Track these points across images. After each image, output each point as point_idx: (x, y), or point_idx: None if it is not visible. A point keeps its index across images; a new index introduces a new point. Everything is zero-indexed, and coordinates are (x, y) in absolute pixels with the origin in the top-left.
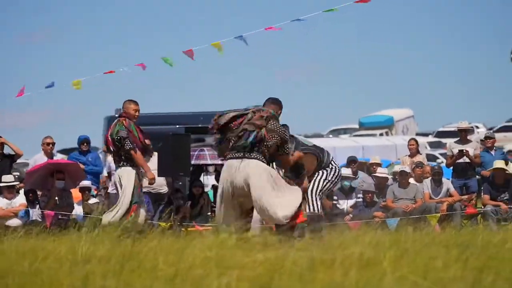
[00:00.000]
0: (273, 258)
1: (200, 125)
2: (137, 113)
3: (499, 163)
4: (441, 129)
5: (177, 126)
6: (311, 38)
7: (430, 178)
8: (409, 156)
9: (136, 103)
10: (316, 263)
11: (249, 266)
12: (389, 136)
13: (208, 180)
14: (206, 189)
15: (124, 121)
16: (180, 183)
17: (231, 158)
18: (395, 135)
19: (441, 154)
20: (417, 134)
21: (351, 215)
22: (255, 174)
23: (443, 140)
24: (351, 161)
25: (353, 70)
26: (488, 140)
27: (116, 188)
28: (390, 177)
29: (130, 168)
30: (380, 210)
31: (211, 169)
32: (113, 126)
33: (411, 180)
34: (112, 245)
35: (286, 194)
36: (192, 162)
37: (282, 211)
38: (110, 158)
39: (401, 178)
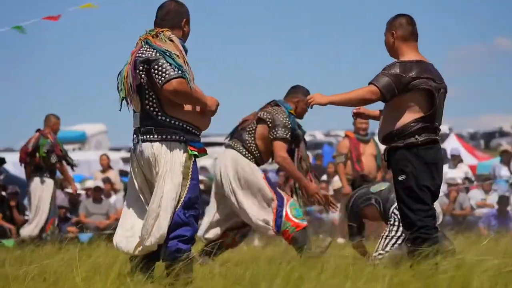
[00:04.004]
0: None
1: None
2: (59, 126)
3: None
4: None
5: None
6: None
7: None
8: (101, 171)
9: (58, 117)
10: (10, 279)
11: None
12: (82, 151)
13: None
14: None
15: (49, 135)
16: None
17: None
18: (88, 150)
19: None
20: (110, 149)
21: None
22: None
23: None
24: None
25: (46, 85)
26: None
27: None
28: (83, 192)
29: (50, 179)
30: (73, 226)
31: None
32: (35, 139)
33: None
34: None
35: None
36: None
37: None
38: None
39: (95, 194)
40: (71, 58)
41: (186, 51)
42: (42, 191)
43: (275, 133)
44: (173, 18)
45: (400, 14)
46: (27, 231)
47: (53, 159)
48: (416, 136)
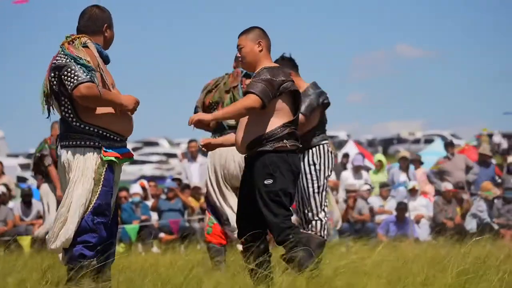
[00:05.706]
0: None
1: None
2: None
3: None
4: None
5: None
6: None
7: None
8: None
9: None
10: None
11: None
12: None
13: None
14: None
15: (49, 140)
16: None
17: None
18: None
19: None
20: (8, 155)
21: None
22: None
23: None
24: None
25: None
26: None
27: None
28: None
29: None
30: None
31: None
32: (38, 145)
33: None
34: None
35: None
36: None
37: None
38: None
39: None
40: None
41: (106, 57)
42: (47, 195)
43: None
44: (94, 24)
45: (256, 27)
46: (42, 231)
47: (47, 162)
48: (285, 141)
